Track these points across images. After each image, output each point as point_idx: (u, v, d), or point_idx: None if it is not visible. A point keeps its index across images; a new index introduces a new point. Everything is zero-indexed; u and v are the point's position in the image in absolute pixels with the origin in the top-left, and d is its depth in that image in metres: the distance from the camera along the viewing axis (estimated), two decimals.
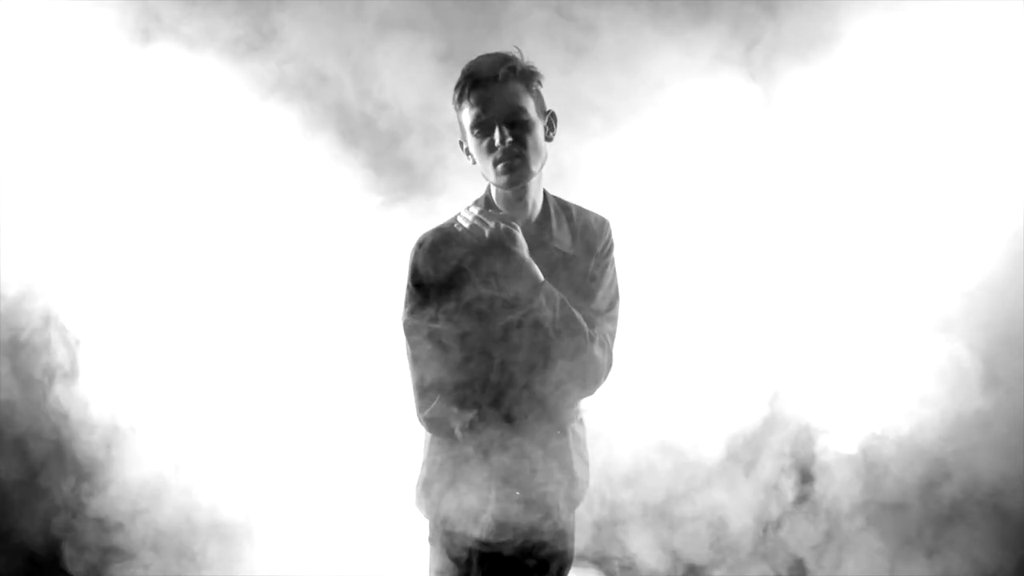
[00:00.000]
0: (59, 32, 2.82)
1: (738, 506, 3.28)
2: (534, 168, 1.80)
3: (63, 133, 2.86)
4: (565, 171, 2.93)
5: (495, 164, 1.78)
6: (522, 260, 1.78)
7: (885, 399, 3.18)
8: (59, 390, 2.94)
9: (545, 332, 1.78)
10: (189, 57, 2.91)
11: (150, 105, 2.90)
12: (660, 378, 3.09)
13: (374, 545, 2.83)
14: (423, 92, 3.04)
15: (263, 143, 2.97)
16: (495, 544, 1.84)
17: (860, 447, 3.26)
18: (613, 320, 1.92)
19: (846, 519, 3.31)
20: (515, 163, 1.77)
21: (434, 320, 1.80)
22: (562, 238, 1.89)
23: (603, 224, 1.96)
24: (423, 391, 1.84)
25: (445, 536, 1.90)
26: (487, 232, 1.78)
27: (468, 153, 1.85)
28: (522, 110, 1.77)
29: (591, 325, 1.84)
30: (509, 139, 1.75)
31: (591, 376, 1.84)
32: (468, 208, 1.86)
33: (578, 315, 1.81)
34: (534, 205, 1.88)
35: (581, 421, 2.00)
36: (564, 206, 1.96)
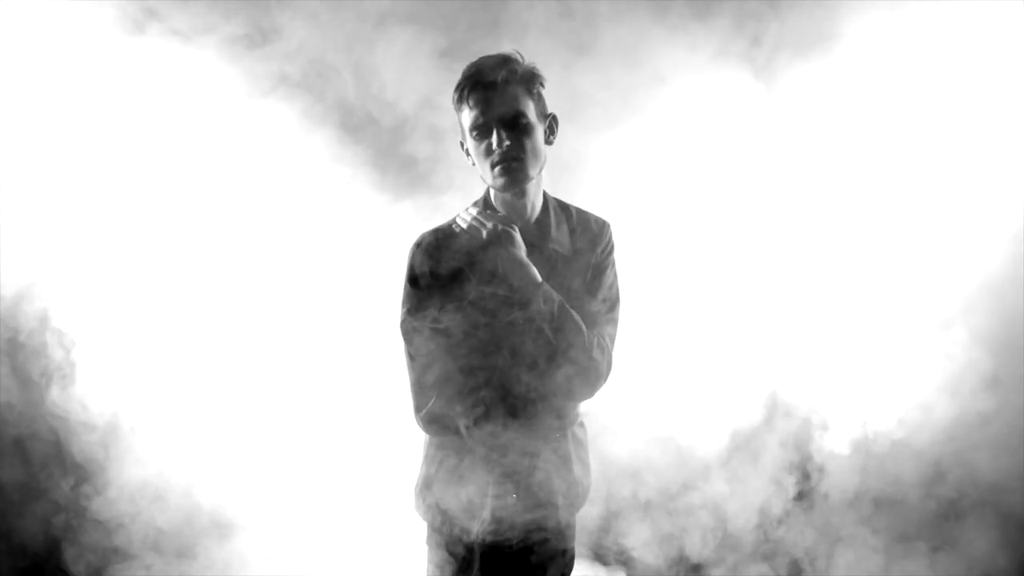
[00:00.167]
0: (57, 30, 2.81)
1: (738, 503, 3.28)
2: (531, 172, 1.80)
3: (60, 132, 2.86)
4: (568, 167, 2.92)
5: (492, 167, 1.78)
6: (520, 261, 1.78)
7: (886, 397, 3.18)
8: (58, 391, 2.93)
9: (543, 333, 1.78)
10: (188, 53, 2.90)
11: (149, 103, 2.89)
12: (660, 374, 3.09)
13: (375, 546, 2.83)
14: (425, 88, 3.03)
15: (264, 140, 2.96)
16: (492, 544, 1.84)
17: (860, 445, 3.26)
18: (613, 322, 1.92)
19: (845, 517, 3.32)
20: (512, 166, 1.77)
21: (431, 320, 1.80)
22: (561, 239, 1.89)
23: (603, 226, 1.96)
24: (419, 391, 1.84)
25: (442, 537, 1.90)
26: (485, 233, 1.79)
27: (468, 154, 1.85)
28: (521, 113, 1.77)
29: (591, 327, 1.83)
30: (507, 142, 1.76)
31: (589, 378, 1.84)
32: (467, 209, 1.87)
33: (576, 317, 1.81)
34: (533, 207, 1.88)
35: (582, 424, 1.99)
36: (564, 208, 1.96)
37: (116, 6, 2.83)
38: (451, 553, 1.89)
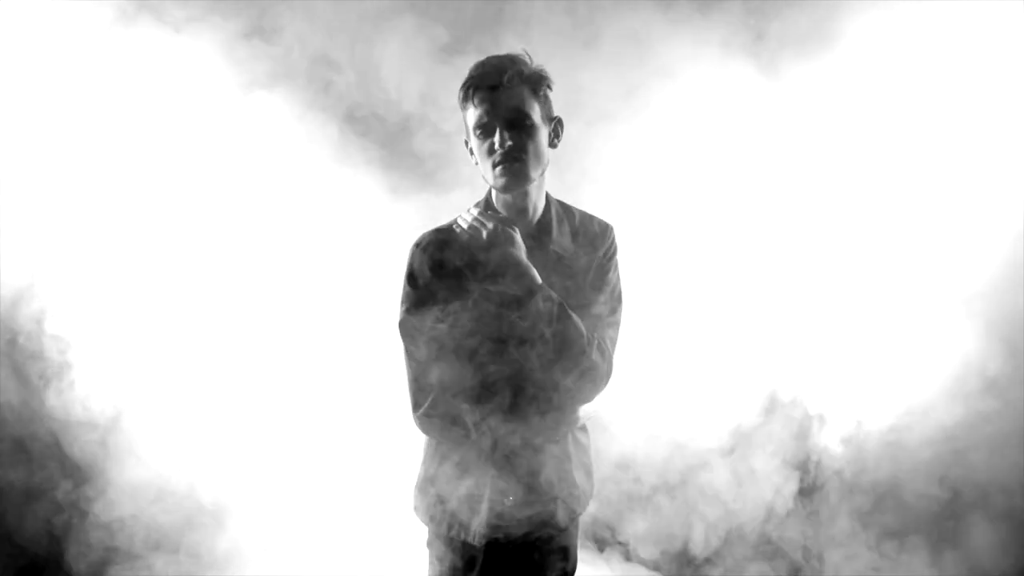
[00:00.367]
0: (53, 29, 2.80)
1: (738, 501, 3.28)
2: (532, 174, 1.80)
3: (57, 130, 2.85)
4: (571, 163, 2.92)
5: (494, 167, 1.78)
6: (519, 262, 1.78)
7: (886, 396, 3.18)
8: (57, 391, 2.93)
9: (542, 335, 1.78)
10: (185, 49, 2.89)
11: (147, 100, 2.87)
12: (660, 371, 3.08)
13: (376, 547, 2.83)
14: (426, 83, 3.01)
15: (264, 137, 2.95)
16: (491, 545, 1.84)
17: (861, 443, 3.26)
18: (615, 326, 1.91)
19: (845, 515, 3.32)
20: (514, 167, 1.77)
21: (430, 320, 1.80)
22: (562, 241, 1.88)
23: (606, 229, 1.95)
24: (417, 391, 1.83)
25: (441, 537, 1.90)
26: (485, 233, 1.79)
27: (472, 153, 1.85)
28: (525, 115, 1.77)
29: (591, 329, 1.83)
30: (509, 142, 1.75)
31: (588, 380, 1.83)
32: (468, 210, 1.86)
33: (576, 319, 1.80)
34: (535, 209, 1.87)
35: (584, 428, 1.99)
36: (567, 210, 1.95)
37: (115, 5, 2.82)
38: (450, 553, 1.89)
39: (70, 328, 2.91)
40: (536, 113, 1.78)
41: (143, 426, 2.92)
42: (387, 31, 3.04)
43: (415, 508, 1.95)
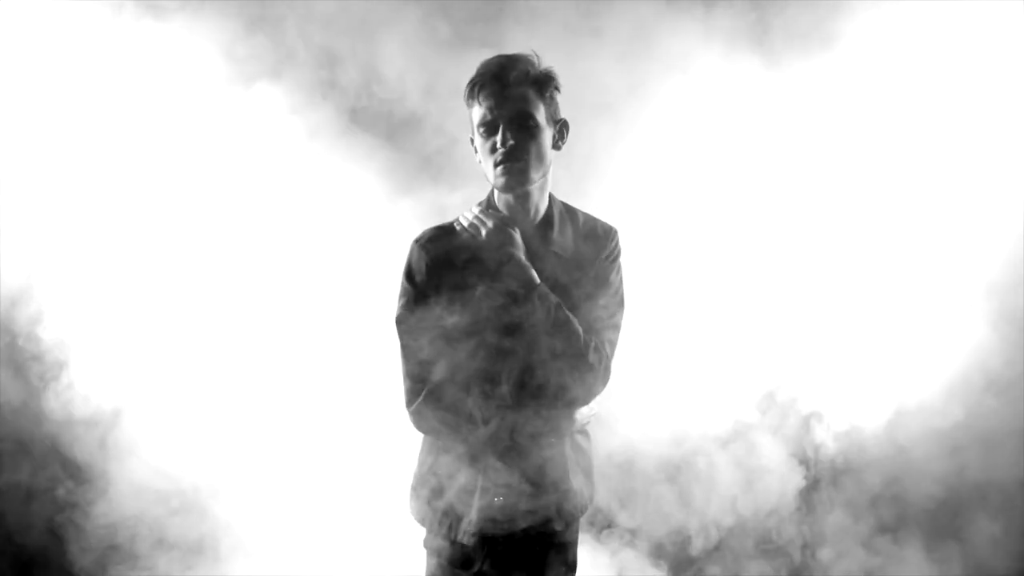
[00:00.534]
0: (50, 29, 2.80)
1: (738, 498, 3.26)
2: (534, 175, 1.81)
3: (55, 129, 2.84)
4: (574, 156, 2.89)
5: (495, 166, 1.79)
6: (518, 262, 1.79)
7: (887, 394, 3.17)
8: (57, 391, 2.92)
9: (538, 335, 1.79)
10: (185, 45, 2.88)
11: (143, 97, 2.86)
12: (659, 367, 3.07)
13: (377, 547, 2.81)
14: (428, 76, 3.00)
15: (263, 134, 2.94)
16: (479, 546, 1.84)
17: (860, 441, 3.25)
18: (615, 329, 1.91)
19: (845, 512, 3.32)
20: (515, 168, 1.78)
21: (426, 317, 1.81)
22: (563, 243, 1.89)
23: (609, 232, 1.95)
24: (411, 386, 1.84)
25: (434, 537, 1.90)
26: (484, 232, 1.81)
27: (476, 151, 1.86)
28: (529, 115, 1.78)
29: (590, 332, 1.83)
30: (511, 142, 1.77)
31: (584, 382, 1.83)
32: (471, 209, 1.88)
33: (573, 320, 1.81)
34: (536, 209, 1.88)
35: (585, 433, 1.98)
36: (571, 212, 1.96)
37: (112, 2, 2.81)
38: (443, 552, 1.89)
39: (69, 328, 2.90)
40: (541, 114, 1.79)
41: (144, 425, 2.92)
42: (390, 23, 3.02)
43: (410, 507, 1.96)
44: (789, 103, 3.07)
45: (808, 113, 3.06)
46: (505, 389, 1.81)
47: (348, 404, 2.86)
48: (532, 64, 1.80)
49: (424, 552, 1.95)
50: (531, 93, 1.78)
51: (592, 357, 1.81)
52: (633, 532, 3.25)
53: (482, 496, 1.82)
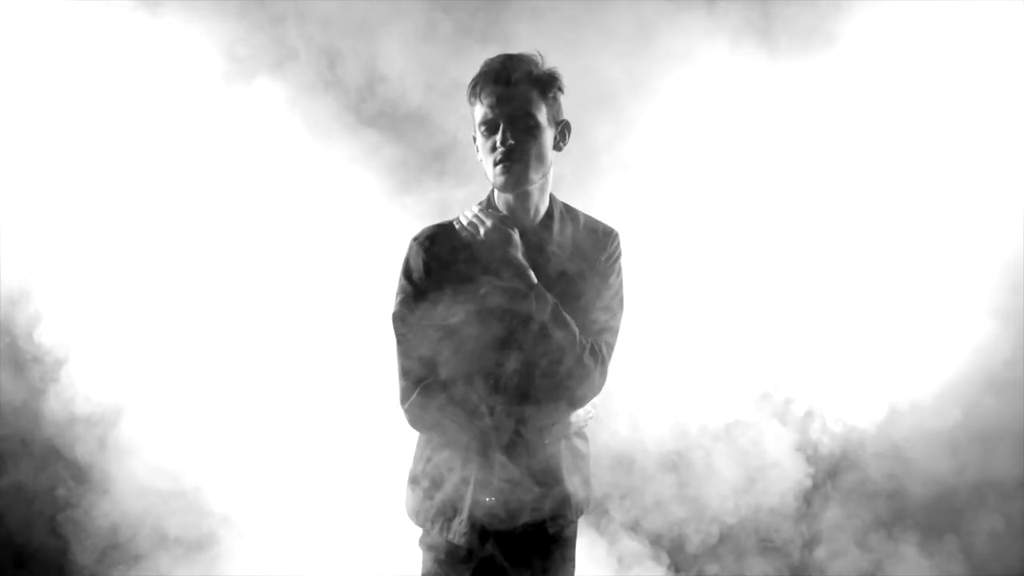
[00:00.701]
0: (46, 30, 2.80)
1: (738, 495, 3.26)
2: (533, 176, 1.81)
3: (52, 127, 2.83)
4: (579, 153, 2.86)
5: (494, 165, 1.79)
6: (515, 261, 1.79)
7: (887, 393, 3.16)
8: (58, 391, 2.92)
9: (534, 335, 1.79)
10: (184, 42, 2.87)
11: (143, 92, 2.86)
12: (658, 363, 3.07)
13: (377, 546, 2.80)
14: (433, 72, 2.99)
15: (263, 131, 2.93)
16: (465, 546, 1.84)
17: (860, 438, 3.25)
18: (612, 331, 1.90)
19: (845, 509, 3.31)
20: (514, 168, 1.78)
21: (423, 314, 1.81)
22: (563, 243, 1.89)
23: (610, 234, 1.95)
24: (405, 383, 1.83)
25: (428, 536, 1.91)
26: (483, 231, 1.81)
27: (478, 149, 1.87)
28: (531, 115, 1.78)
29: (587, 333, 1.83)
30: (511, 142, 1.77)
31: (579, 384, 1.83)
32: (470, 208, 1.88)
33: (570, 321, 1.81)
34: (536, 210, 1.87)
35: (583, 436, 1.97)
36: (571, 213, 1.96)
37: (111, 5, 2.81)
38: (437, 552, 1.89)
39: (70, 328, 2.90)
40: (542, 115, 1.79)
41: (144, 425, 2.92)
42: (392, 19, 3.01)
43: (405, 507, 1.96)
44: (791, 98, 3.06)
45: (809, 108, 3.05)
46: (500, 388, 1.80)
47: (348, 404, 2.86)
48: (536, 64, 1.80)
49: (420, 551, 1.95)
50: (533, 93, 1.78)
51: (588, 359, 1.81)
52: (633, 528, 3.25)
53: (474, 495, 1.82)
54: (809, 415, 3.25)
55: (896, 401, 3.16)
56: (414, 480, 1.92)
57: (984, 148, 2.99)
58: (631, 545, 3.20)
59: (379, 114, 3.08)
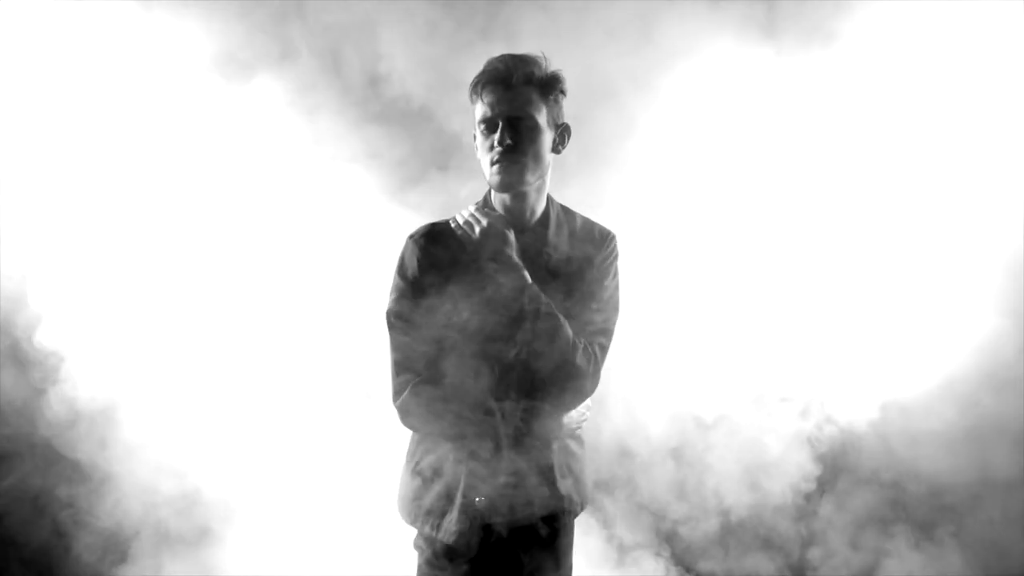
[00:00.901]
0: (43, 31, 2.79)
1: (738, 492, 3.25)
2: (529, 177, 1.81)
3: (49, 126, 2.83)
4: (581, 147, 2.85)
5: (491, 164, 1.79)
6: (510, 261, 1.79)
7: (889, 390, 3.14)
8: (58, 392, 2.93)
9: (528, 335, 1.78)
10: (184, 40, 2.86)
11: (142, 90, 2.86)
12: (658, 359, 3.06)
13: (376, 545, 2.80)
14: (435, 68, 2.96)
15: (263, 129, 2.93)
16: (455, 546, 1.83)
17: (859, 437, 3.23)
18: (607, 333, 1.89)
19: (844, 507, 3.29)
20: (511, 168, 1.78)
21: (416, 312, 1.81)
22: (559, 245, 1.89)
23: (606, 236, 1.94)
24: (398, 381, 1.83)
25: (421, 536, 1.90)
26: (478, 230, 1.81)
27: (478, 148, 1.87)
28: (530, 116, 1.78)
29: (580, 334, 1.83)
30: (509, 142, 1.77)
31: (571, 384, 1.82)
32: (467, 207, 1.88)
33: (563, 321, 1.81)
34: (532, 210, 1.87)
35: (577, 437, 1.96)
36: (568, 214, 1.96)
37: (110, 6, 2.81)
38: (429, 551, 1.88)
39: (70, 329, 2.90)
40: (542, 116, 1.79)
41: (145, 425, 2.92)
42: (394, 15, 3.00)
43: (397, 507, 1.95)
44: (796, 93, 3.03)
45: (813, 103, 3.03)
46: (501, 385, 1.80)
47: (348, 404, 2.86)
48: (538, 65, 1.79)
49: (415, 552, 1.94)
50: (534, 94, 1.78)
51: (580, 360, 1.80)
52: (633, 520, 3.25)
53: (465, 495, 1.81)
54: (809, 412, 3.23)
55: (896, 399, 3.14)
56: (405, 479, 1.92)
57: (989, 145, 2.96)
58: (631, 537, 3.20)
59: (381, 111, 3.07)
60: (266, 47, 2.95)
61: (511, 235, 1.81)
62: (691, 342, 3.09)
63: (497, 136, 1.77)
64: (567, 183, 2.79)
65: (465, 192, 2.78)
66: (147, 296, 2.88)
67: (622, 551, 3.18)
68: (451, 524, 1.82)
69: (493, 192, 1.87)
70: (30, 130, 2.83)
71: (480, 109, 1.79)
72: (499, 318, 1.78)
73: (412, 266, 1.83)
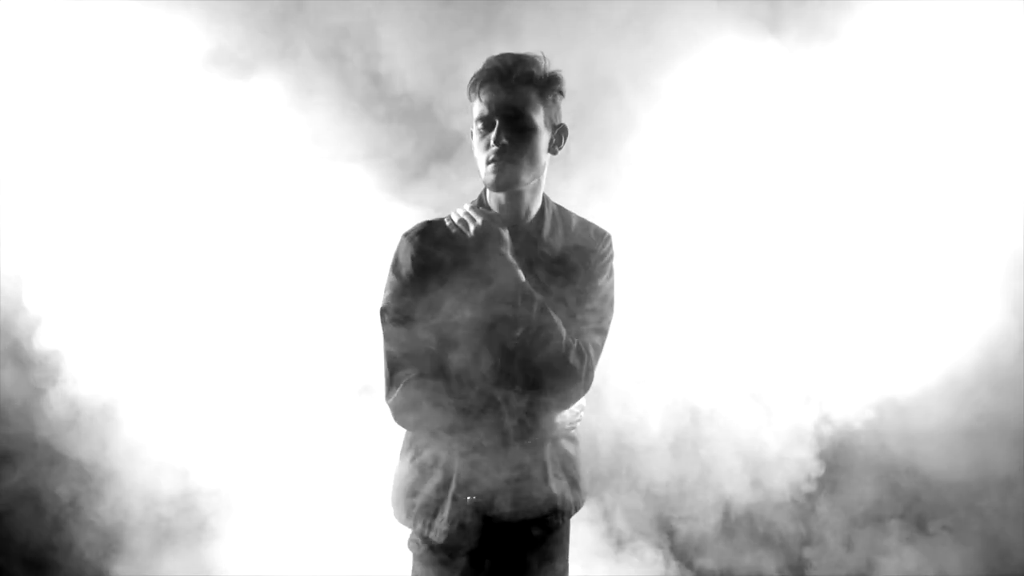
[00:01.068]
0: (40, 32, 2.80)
1: (738, 490, 3.25)
2: (524, 177, 1.80)
3: (48, 125, 2.83)
4: (581, 144, 2.83)
5: (487, 162, 1.78)
6: (504, 260, 1.79)
7: (888, 388, 3.14)
8: (58, 392, 2.93)
9: (521, 334, 1.78)
10: (182, 40, 2.86)
11: (142, 89, 2.85)
12: (661, 355, 3.07)
13: (375, 545, 2.79)
14: (436, 66, 2.95)
15: (263, 128, 2.92)
16: (447, 546, 1.84)
17: (858, 436, 3.23)
18: (600, 333, 1.89)
19: (843, 505, 3.30)
20: (505, 167, 1.77)
21: (410, 309, 1.81)
22: (553, 244, 1.89)
23: (602, 237, 1.94)
24: (390, 378, 1.83)
25: (415, 536, 1.90)
26: (472, 229, 1.80)
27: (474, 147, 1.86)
28: (527, 116, 1.77)
29: (573, 334, 1.82)
30: (505, 141, 1.76)
31: (564, 384, 1.82)
32: (462, 206, 1.88)
33: (557, 321, 1.80)
34: (527, 210, 1.87)
35: (572, 437, 1.96)
36: (564, 214, 1.95)
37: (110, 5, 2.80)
38: (422, 550, 1.88)
39: (70, 328, 2.90)
40: (539, 116, 1.78)
41: (147, 424, 2.92)
42: (396, 9, 3.00)
43: (391, 505, 1.95)
44: (799, 88, 3.03)
45: (816, 99, 3.02)
46: (500, 383, 1.79)
47: (348, 404, 2.86)
48: (538, 65, 1.78)
49: (410, 552, 1.94)
50: (532, 94, 1.77)
51: (574, 359, 1.79)
52: (632, 522, 3.25)
53: (457, 494, 1.82)
54: (808, 409, 3.22)
55: (895, 396, 3.14)
56: (401, 474, 1.91)
57: (990, 142, 2.96)
58: (629, 530, 3.21)
59: (382, 110, 3.07)
60: (266, 45, 2.94)
61: (506, 234, 1.81)
62: (690, 337, 3.08)
63: (493, 135, 1.76)
64: (569, 180, 2.82)
65: (465, 190, 2.74)
66: (147, 295, 2.88)
67: (620, 544, 3.19)
68: (442, 524, 1.83)
69: (488, 191, 1.86)
70: (30, 129, 2.82)
71: (478, 107, 1.78)
72: (492, 317, 1.77)
73: (406, 263, 1.83)
